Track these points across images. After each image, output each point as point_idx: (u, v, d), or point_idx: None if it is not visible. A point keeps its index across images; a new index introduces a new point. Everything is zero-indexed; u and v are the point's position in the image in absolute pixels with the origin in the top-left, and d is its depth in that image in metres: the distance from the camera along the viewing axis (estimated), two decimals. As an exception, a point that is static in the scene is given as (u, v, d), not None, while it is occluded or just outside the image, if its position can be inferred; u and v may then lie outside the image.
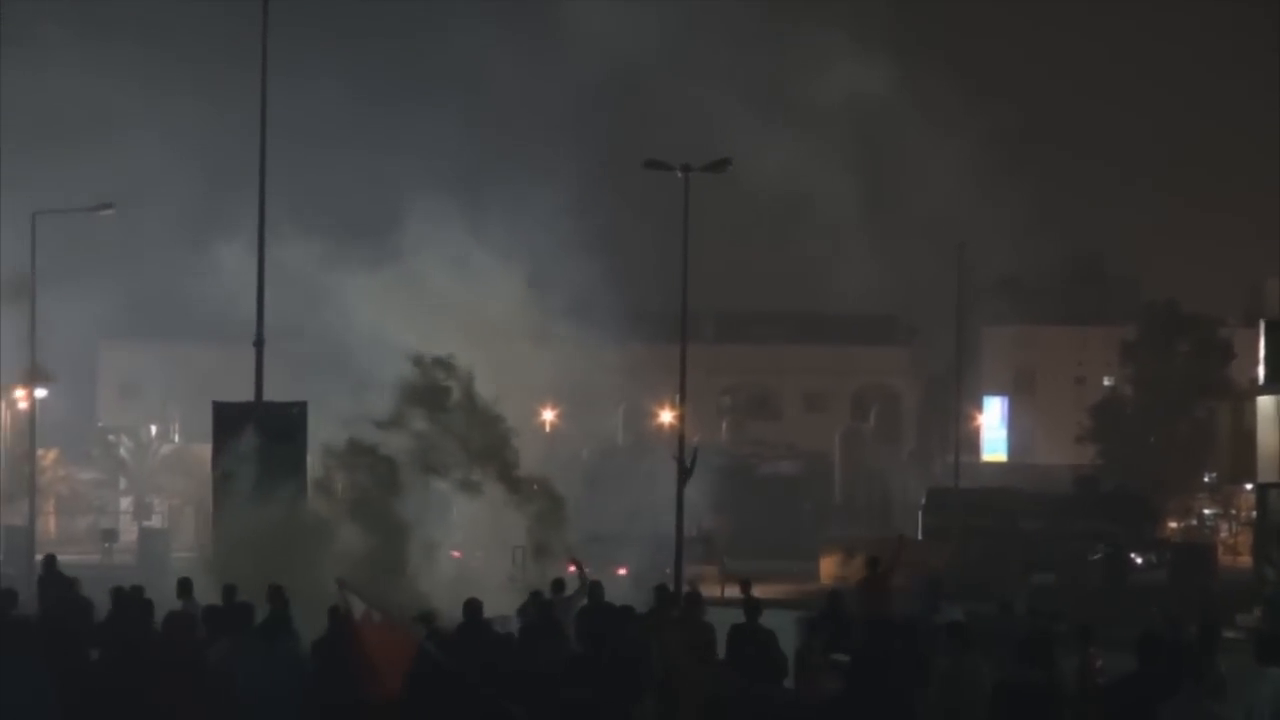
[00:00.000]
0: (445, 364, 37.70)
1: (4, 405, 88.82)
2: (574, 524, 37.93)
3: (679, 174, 47.91)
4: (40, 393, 68.08)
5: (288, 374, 39.84)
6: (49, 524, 79.80)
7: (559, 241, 44.04)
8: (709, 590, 37.29)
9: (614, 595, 25.96)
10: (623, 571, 46.70)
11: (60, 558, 31.51)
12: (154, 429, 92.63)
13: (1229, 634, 29.87)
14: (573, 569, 30.01)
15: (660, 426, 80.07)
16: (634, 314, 48.14)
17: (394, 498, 35.38)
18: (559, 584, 27.13)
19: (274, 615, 19.72)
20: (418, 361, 37.26)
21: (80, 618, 22.72)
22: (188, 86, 44.08)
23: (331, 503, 35.26)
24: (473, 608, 20.97)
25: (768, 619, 22.33)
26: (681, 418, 51.54)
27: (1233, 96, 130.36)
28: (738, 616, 22.43)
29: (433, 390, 37.23)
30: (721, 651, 20.89)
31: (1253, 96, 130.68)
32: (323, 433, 36.11)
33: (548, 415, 66.63)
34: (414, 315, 39.60)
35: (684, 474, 45.55)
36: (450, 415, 37.27)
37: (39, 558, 38.32)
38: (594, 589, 25.94)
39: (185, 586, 25.16)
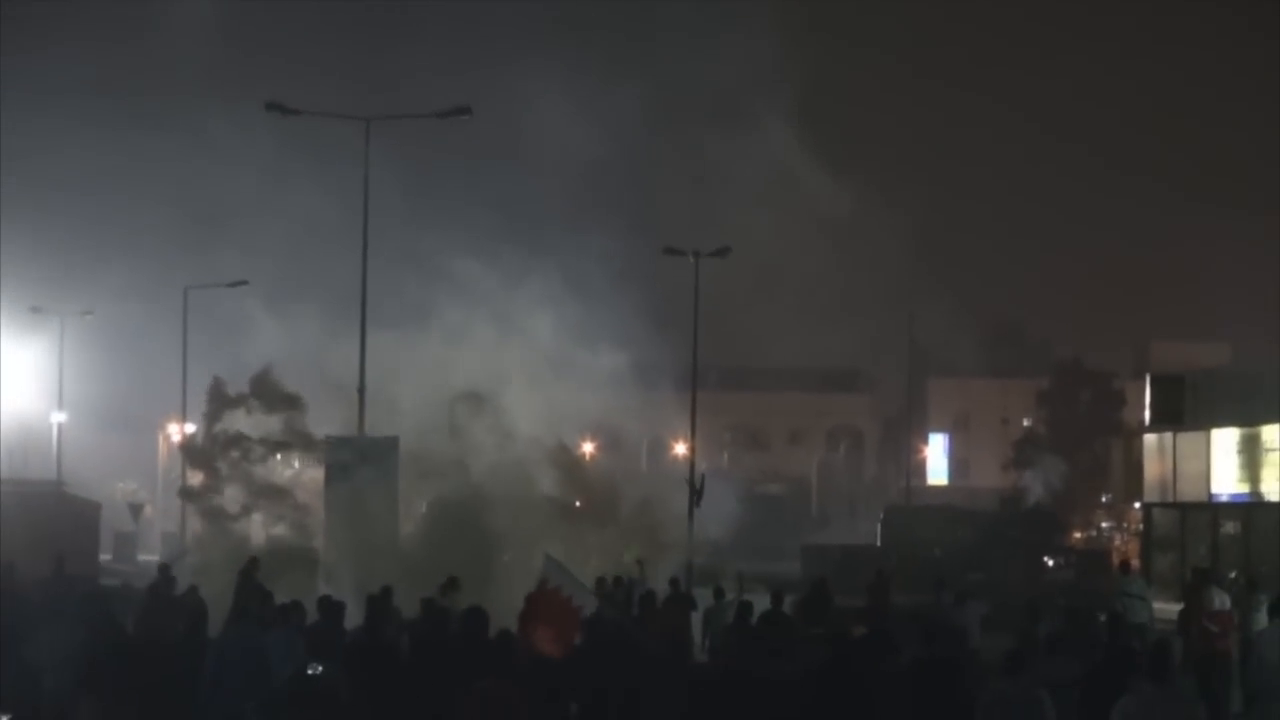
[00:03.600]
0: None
1: (162, 438, 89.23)
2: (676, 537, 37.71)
3: (690, 259, 47.93)
4: (190, 427, 68.16)
5: (384, 414, 39.75)
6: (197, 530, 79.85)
7: (596, 308, 44.01)
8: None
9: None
10: None
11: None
12: (279, 456, 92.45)
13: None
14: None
15: (675, 457, 79.94)
16: (655, 367, 48.05)
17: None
18: (619, 580, 26.90)
19: (381, 599, 19.35)
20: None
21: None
22: (303, 177, 43.39)
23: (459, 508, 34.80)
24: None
25: (760, 602, 22.17)
26: (693, 450, 51.57)
27: (1122, 198, 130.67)
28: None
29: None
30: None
31: (1138, 195, 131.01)
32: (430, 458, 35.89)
33: (588, 447, 66.55)
34: (482, 369, 39.40)
35: (694, 495, 45.45)
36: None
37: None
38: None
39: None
